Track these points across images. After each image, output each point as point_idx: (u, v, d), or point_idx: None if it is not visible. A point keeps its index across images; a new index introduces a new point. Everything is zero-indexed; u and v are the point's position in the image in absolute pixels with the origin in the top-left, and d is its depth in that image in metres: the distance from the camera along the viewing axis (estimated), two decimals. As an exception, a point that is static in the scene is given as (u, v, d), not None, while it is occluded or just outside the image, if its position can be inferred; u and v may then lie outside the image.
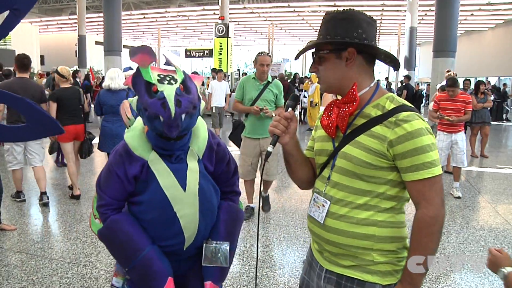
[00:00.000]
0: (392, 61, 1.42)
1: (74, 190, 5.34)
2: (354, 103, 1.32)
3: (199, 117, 1.71)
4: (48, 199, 5.09)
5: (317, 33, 1.39)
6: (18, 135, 2.42)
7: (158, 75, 1.51)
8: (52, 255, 3.64)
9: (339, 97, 1.42)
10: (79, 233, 4.18)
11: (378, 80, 1.42)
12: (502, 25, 25.51)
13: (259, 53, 4.49)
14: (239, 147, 4.69)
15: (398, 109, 1.29)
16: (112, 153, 1.70)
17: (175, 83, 1.49)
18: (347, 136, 1.35)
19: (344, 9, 1.35)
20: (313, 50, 1.40)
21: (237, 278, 3.26)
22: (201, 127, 1.71)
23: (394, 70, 1.47)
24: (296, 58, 1.55)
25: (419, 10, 19.39)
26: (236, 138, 4.77)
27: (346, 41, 1.31)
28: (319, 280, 1.43)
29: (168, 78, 1.51)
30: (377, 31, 1.39)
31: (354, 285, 1.34)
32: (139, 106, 1.53)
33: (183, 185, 1.62)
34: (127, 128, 1.74)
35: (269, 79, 4.49)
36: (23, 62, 4.78)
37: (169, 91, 1.46)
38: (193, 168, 1.65)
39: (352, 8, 1.37)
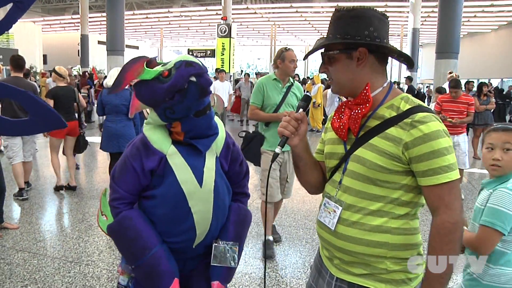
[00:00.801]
0: (406, 60, 1.37)
1: (57, 181, 5.60)
2: (367, 105, 1.27)
3: (217, 118, 1.72)
4: (28, 186, 5.55)
5: (326, 32, 1.34)
6: (21, 129, 2.42)
7: (157, 65, 1.57)
8: (54, 254, 3.65)
9: (344, 98, 1.40)
10: (81, 232, 4.19)
11: (391, 81, 1.38)
12: (505, 27, 25.47)
13: (285, 49, 3.79)
14: (258, 164, 3.83)
15: (414, 109, 1.23)
16: (128, 146, 1.69)
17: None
18: (360, 139, 1.30)
19: (354, 6, 1.28)
20: (322, 50, 1.34)
21: (239, 279, 3.27)
22: (219, 126, 1.72)
23: (407, 69, 1.43)
24: (305, 58, 1.51)
25: (422, 12, 19.35)
26: (253, 154, 3.79)
27: (356, 41, 1.25)
28: None
29: (163, 62, 1.59)
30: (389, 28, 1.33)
31: None
32: (163, 108, 1.52)
33: (200, 181, 1.62)
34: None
35: (291, 80, 3.82)
36: (18, 62, 5.10)
37: (180, 57, 1.52)
38: (210, 165, 1.66)
39: (362, 5, 1.31)
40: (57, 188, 5.53)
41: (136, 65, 1.51)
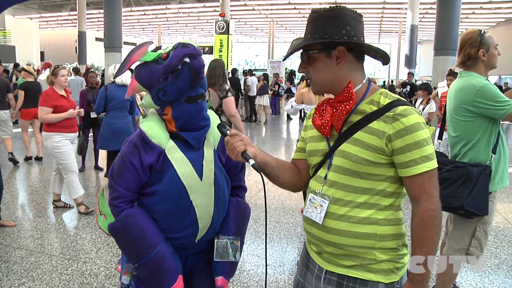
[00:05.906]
0: (382, 56, 1.40)
1: (27, 153, 7.14)
2: (351, 101, 1.31)
3: (211, 111, 1.73)
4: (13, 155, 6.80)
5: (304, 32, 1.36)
6: None
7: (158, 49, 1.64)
8: (51, 252, 3.64)
9: (327, 96, 1.41)
10: (79, 229, 4.18)
11: (369, 78, 1.42)
12: (503, 24, 25.50)
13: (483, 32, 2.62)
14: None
15: (394, 103, 1.28)
16: (125, 144, 1.67)
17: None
18: (343, 134, 1.33)
19: (330, 6, 1.32)
20: (301, 50, 1.37)
21: (238, 276, 3.26)
22: (215, 120, 1.71)
23: (383, 65, 1.46)
24: (284, 59, 1.55)
25: (420, 8, 19.33)
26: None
27: (335, 40, 1.28)
28: (318, 282, 1.40)
29: (163, 46, 1.65)
30: (364, 26, 1.37)
31: (356, 285, 1.32)
32: (157, 89, 1.54)
33: (200, 174, 1.62)
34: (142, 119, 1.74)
35: None
36: None
37: (179, 41, 1.56)
38: (208, 158, 1.66)
39: (338, 5, 1.35)
40: (26, 159, 7.09)
41: (141, 50, 1.58)
